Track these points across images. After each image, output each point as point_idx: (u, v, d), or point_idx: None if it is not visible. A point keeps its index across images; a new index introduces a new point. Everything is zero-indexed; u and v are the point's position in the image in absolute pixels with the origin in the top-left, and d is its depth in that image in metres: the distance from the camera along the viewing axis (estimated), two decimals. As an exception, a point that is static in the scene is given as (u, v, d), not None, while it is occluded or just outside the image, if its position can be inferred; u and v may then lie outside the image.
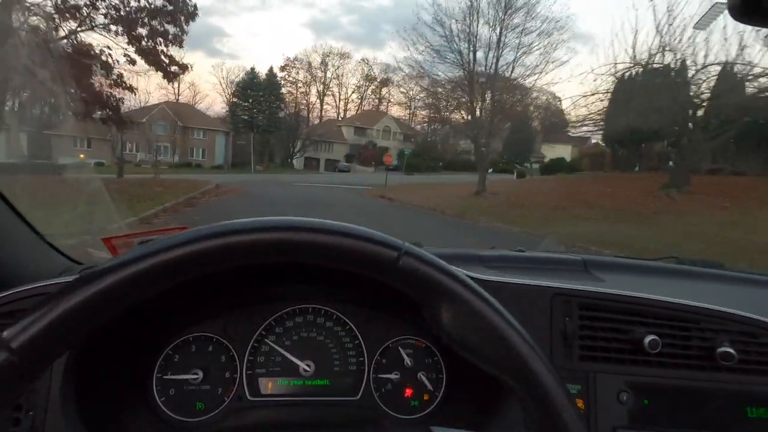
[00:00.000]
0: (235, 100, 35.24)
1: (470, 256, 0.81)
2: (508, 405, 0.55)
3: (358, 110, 56.42)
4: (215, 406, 0.62)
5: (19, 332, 0.27)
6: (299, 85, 46.42)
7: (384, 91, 65.80)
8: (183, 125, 38.99)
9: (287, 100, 39.66)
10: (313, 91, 50.94)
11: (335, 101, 59.62)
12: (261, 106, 35.14)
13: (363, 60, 61.08)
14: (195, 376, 0.61)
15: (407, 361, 0.66)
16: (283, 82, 41.03)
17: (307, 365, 0.64)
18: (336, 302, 0.67)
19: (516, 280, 0.63)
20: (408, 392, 0.66)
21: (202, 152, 38.81)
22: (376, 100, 62.69)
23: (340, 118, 53.41)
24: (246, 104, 34.83)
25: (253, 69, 35.15)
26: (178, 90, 47.65)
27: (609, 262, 0.91)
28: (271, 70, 35.72)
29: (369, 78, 62.99)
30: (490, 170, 44.69)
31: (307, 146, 38.79)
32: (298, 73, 48.08)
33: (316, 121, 45.78)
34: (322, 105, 53.60)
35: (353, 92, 61.65)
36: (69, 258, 0.75)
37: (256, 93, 34.79)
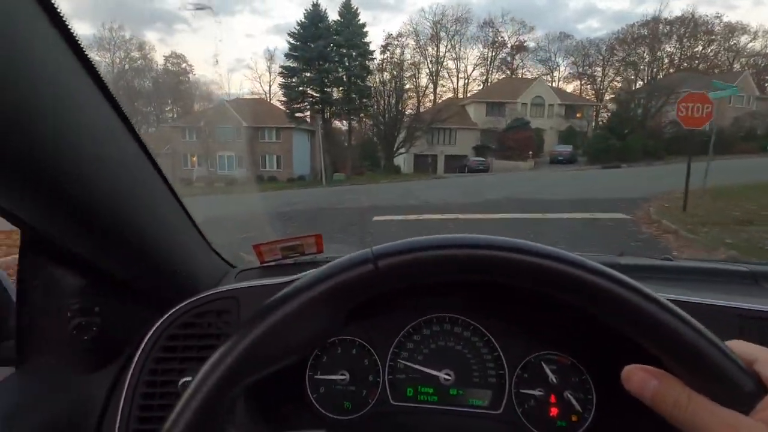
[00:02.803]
0: (288, 64, 21.71)
1: (610, 264, 0.65)
2: None
3: (482, 88, 40.42)
4: (361, 407, 0.66)
5: (388, 257, 0.32)
6: (405, 66, 32.57)
7: (516, 60, 49.25)
8: (248, 126, 26.81)
9: (388, 83, 25.56)
10: (423, 73, 36.73)
11: (452, 81, 45.31)
12: (334, 69, 20.79)
13: (487, 22, 45.03)
14: (342, 377, 0.66)
15: (551, 378, 0.63)
16: (384, 64, 29.41)
17: (447, 374, 0.65)
18: (474, 313, 0.67)
19: (686, 298, 0.55)
20: (553, 411, 0.63)
21: (277, 160, 27.51)
22: (506, 75, 46.08)
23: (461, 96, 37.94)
24: (306, 69, 20.93)
25: (316, 4, 21.26)
26: (270, 90, 38.35)
27: None
28: (348, 3, 21.41)
29: (496, 44, 47.20)
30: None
31: (415, 138, 24.14)
32: (403, 52, 34.41)
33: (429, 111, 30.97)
34: (435, 88, 39.45)
35: (474, 69, 46.54)
36: (226, 261, 0.81)
37: (322, 48, 20.60)
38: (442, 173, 26.98)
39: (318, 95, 22.57)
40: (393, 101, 26.64)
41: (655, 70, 43.55)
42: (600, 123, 34.13)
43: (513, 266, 0.32)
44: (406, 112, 28.00)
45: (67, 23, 0.35)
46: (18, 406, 0.50)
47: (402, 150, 27.19)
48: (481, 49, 47.10)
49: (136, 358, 0.58)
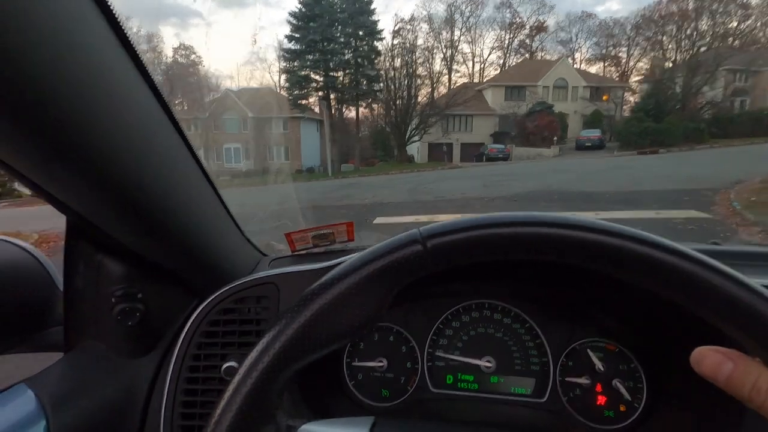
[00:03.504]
0: (290, 46, 20.01)
1: None
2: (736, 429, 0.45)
3: (500, 72, 38.32)
4: (400, 394, 0.66)
5: (436, 237, 0.31)
6: (417, 52, 30.73)
7: (535, 42, 46.69)
8: (255, 116, 25.68)
9: (401, 69, 23.88)
10: (437, 58, 34.92)
11: (467, 66, 43.23)
12: (339, 51, 19.11)
13: (504, 3, 42.59)
14: (380, 364, 0.66)
15: (599, 365, 0.61)
16: (397, 51, 28.14)
17: (488, 361, 0.64)
18: (514, 299, 0.65)
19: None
20: (601, 400, 0.61)
21: (285, 151, 25.94)
22: (524, 58, 43.77)
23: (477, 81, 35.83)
24: (308, 51, 19.24)
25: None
26: (279, 81, 37.06)
27: None
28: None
29: (514, 26, 44.71)
30: None
31: (429, 125, 22.55)
32: (416, 37, 32.42)
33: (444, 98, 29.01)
34: (450, 73, 37.48)
35: (490, 52, 44.35)
36: (258, 250, 0.83)
37: (326, 27, 18.88)
38: (458, 162, 25.57)
39: (322, 80, 20.76)
40: (405, 84, 24.94)
41: (684, 49, 40.63)
42: (627, 106, 31.72)
43: (571, 245, 0.29)
44: (419, 99, 26.38)
45: (119, 19, 0.36)
46: (66, 391, 0.52)
47: (415, 138, 25.71)
48: (498, 32, 44.80)
49: (179, 344, 0.59)
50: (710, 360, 0.28)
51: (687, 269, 0.28)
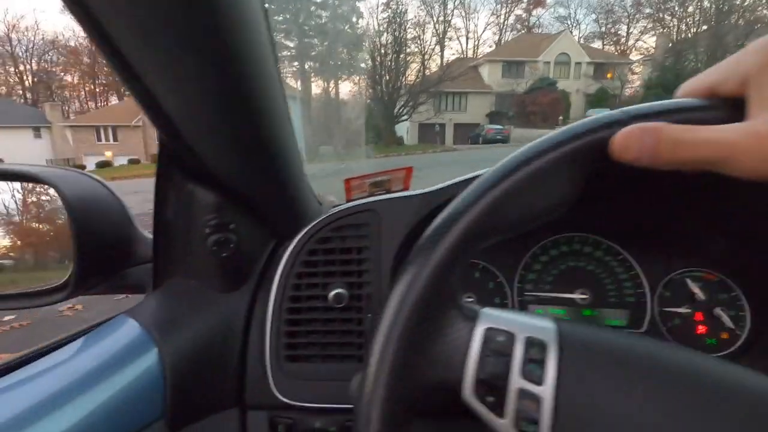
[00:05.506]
0: None
1: None
2: None
3: (497, 47, 35.82)
4: None
5: (644, 119, 0.27)
6: (407, 26, 28.02)
7: (533, 18, 44.01)
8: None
9: (390, 45, 21.25)
10: (429, 33, 32.15)
11: (460, 43, 40.60)
12: (315, 13, 16.27)
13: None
14: (470, 299, 0.66)
15: (698, 294, 0.61)
16: (386, 25, 26.53)
17: (582, 293, 0.64)
18: (604, 231, 0.65)
19: None
20: (702, 329, 0.62)
21: (262, 132, 22.58)
22: (522, 33, 41.23)
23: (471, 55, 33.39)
24: (277, 11, 16.33)
25: None
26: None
27: None
28: None
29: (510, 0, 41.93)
30: None
31: (419, 102, 20.07)
32: (406, 11, 29.59)
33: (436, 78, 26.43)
34: (442, 50, 34.87)
35: (485, 28, 41.68)
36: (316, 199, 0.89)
37: None
38: (452, 145, 23.63)
39: (293, 45, 17.84)
40: (392, 57, 22.34)
41: (685, 27, 38.51)
42: (627, 85, 29.51)
43: None
44: (408, 75, 23.88)
45: None
46: (167, 320, 0.53)
47: (404, 117, 23.23)
48: (494, 5, 41.98)
49: (278, 274, 0.61)
50: (633, 136, 0.25)
51: None
